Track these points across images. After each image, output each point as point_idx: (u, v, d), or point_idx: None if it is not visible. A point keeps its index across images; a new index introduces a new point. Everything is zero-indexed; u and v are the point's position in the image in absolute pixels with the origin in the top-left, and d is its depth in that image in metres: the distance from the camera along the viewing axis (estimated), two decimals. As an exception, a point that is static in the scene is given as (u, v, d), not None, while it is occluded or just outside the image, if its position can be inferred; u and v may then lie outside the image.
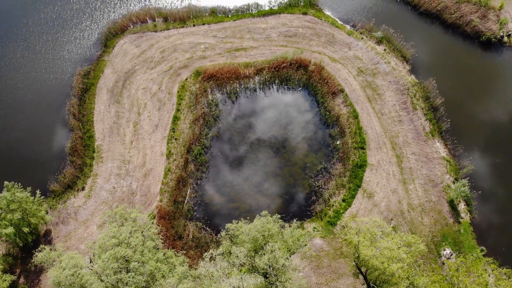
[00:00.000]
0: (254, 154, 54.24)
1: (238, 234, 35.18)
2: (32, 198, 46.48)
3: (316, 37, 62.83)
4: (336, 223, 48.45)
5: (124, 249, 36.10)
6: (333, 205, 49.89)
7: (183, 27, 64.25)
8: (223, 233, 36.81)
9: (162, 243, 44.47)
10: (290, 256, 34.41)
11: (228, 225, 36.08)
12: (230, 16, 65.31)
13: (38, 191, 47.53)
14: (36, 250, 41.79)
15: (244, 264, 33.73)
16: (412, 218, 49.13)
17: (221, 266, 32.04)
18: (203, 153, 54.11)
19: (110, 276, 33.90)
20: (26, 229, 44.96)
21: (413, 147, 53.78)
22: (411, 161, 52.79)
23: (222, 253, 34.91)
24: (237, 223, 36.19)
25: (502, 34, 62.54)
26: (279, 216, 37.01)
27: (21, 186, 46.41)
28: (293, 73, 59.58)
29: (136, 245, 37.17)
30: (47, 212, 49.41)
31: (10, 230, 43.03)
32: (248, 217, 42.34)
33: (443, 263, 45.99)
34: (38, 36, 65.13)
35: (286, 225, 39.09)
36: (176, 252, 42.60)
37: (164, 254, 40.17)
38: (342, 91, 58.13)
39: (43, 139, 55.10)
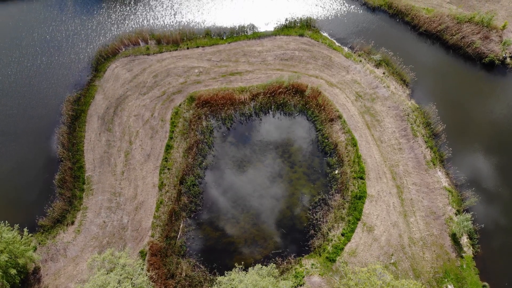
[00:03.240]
0: (250, 184, 52.53)
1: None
2: (19, 237, 44.80)
3: (313, 60, 61.05)
4: (335, 259, 46.72)
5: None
6: (332, 240, 48.18)
7: (176, 50, 62.41)
8: None
9: (153, 281, 42.92)
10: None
11: (220, 279, 34.39)
12: (225, 38, 63.47)
13: (25, 229, 45.79)
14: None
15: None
16: (413, 253, 47.45)
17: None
18: (197, 184, 52.35)
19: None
20: (13, 271, 43.13)
21: (413, 177, 52.07)
22: (412, 192, 51.10)
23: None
24: (230, 274, 34.44)
25: (505, 55, 60.85)
26: (274, 265, 35.28)
27: (8, 224, 44.74)
28: (290, 99, 57.84)
29: (124, 295, 35.54)
30: (35, 249, 47.70)
31: (-4, 273, 41.35)
32: (243, 261, 40.74)
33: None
34: (32, 59, 62.93)
35: (282, 280, 37.27)
36: (168, 296, 40.95)
37: (155, 300, 38.58)
38: (340, 117, 56.38)
39: (32, 170, 53.11)
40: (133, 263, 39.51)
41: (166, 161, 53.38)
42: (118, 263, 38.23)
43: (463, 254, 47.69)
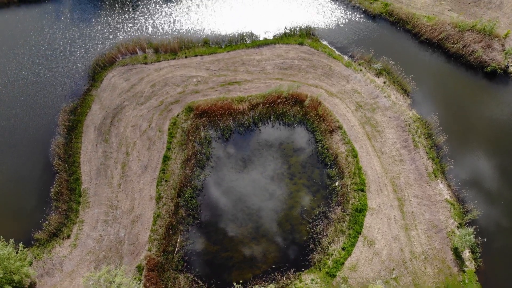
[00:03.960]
0: (249, 196, 51.75)
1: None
2: (14, 252, 44.06)
3: (312, 69, 60.26)
4: (336, 274, 45.94)
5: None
6: (332, 254, 47.36)
7: (174, 58, 61.63)
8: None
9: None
10: None
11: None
12: (223, 47, 62.67)
13: (21, 244, 44.98)
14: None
15: None
16: (415, 267, 46.64)
17: None
18: (195, 196, 51.56)
19: None
20: (8, 287, 42.58)
21: (415, 189, 51.26)
22: (413, 205, 50.29)
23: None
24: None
25: (507, 64, 60.05)
26: (273, 287, 34.44)
27: (3, 239, 44.03)
28: (289, 109, 57.06)
29: (120, 316, 34.79)
30: (31, 264, 46.98)
31: (-9, 290, 40.72)
32: (242, 276, 39.97)
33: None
34: (29, 68, 61.92)
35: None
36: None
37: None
38: (340, 127, 55.59)
39: (27, 182, 52.28)
40: (129, 282, 38.72)
41: (164, 172, 52.60)
42: (113, 282, 37.46)
43: (465, 269, 46.89)
